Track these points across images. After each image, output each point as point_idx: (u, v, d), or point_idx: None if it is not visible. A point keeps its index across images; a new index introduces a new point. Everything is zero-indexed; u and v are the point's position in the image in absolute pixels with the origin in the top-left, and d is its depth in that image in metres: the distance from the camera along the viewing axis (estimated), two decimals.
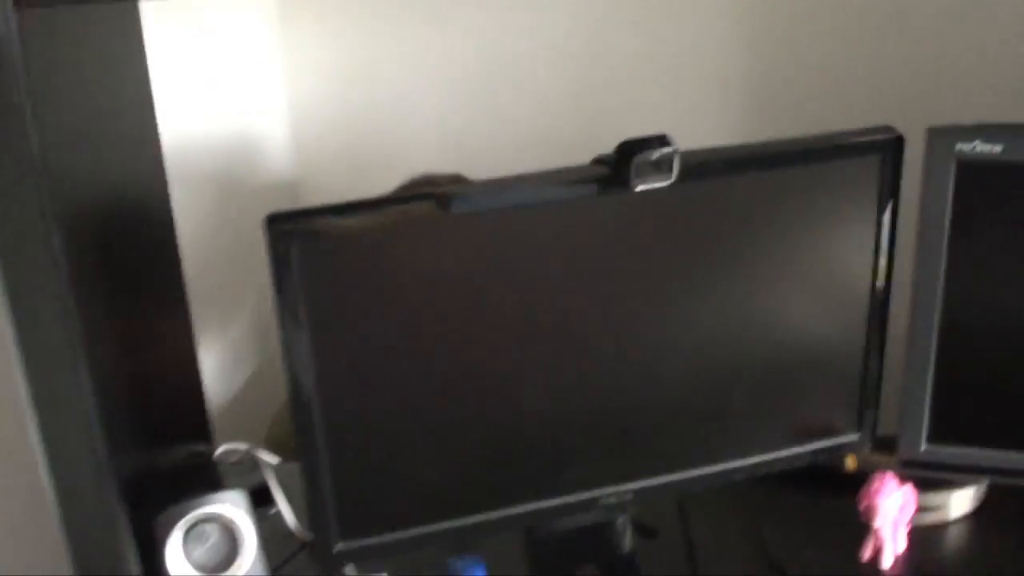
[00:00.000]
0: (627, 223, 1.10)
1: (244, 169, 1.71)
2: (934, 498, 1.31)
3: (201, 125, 1.56)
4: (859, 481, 1.29)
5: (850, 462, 1.37)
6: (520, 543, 1.29)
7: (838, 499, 1.35)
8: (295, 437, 1.10)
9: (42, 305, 0.98)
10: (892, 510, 1.23)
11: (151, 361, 1.25)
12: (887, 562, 1.25)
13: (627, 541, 1.29)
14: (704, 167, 1.09)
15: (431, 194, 1.05)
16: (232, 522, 1.14)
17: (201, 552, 1.15)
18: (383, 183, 1.39)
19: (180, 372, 1.37)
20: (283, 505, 1.34)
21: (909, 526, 1.27)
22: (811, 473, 1.38)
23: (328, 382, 1.08)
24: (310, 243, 1.03)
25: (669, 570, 1.27)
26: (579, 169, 1.08)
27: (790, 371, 1.22)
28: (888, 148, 1.14)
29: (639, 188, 1.05)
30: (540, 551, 1.28)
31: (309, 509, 1.14)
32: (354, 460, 1.13)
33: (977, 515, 1.34)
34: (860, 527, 1.27)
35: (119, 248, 1.17)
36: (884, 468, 1.27)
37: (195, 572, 1.14)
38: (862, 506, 1.24)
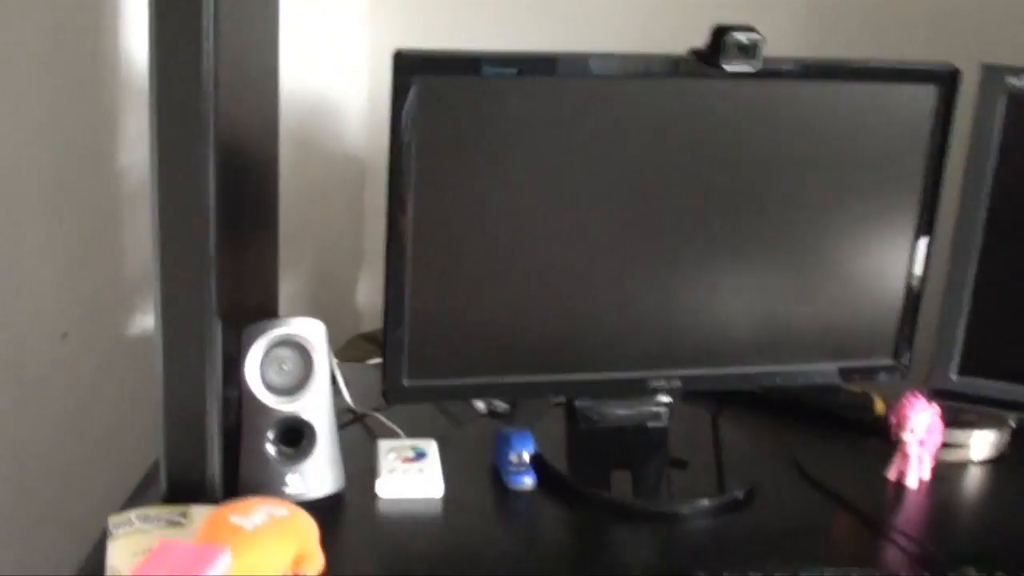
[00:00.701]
0: (711, 106, 1.28)
1: (320, 131, 1.89)
2: (958, 435, 1.45)
3: (292, 83, 1.72)
4: (885, 429, 1.43)
5: (879, 406, 1.51)
6: (565, 432, 1.43)
7: (867, 439, 1.49)
8: (385, 274, 1.26)
9: (190, 216, 1.15)
10: (920, 427, 1.36)
11: (247, 283, 1.41)
12: (912, 480, 1.38)
13: (663, 450, 1.43)
14: (784, 66, 1.27)
15: (545, 57, 1.23)
16: (308, 346, 1.27)
17: (276, 374, 1.28)
18: None
19: (263, 295, 1.52)
20: (340, 382, 1.47)
21: (934, 460, 1.42)
22: (841, 418, 1.53)
23: (423, 221, 1.24)
24: (429, 81, 1.20)
25: (701, 477, 1.41)
26: (676, 54, 1.27)
27: (835, 282, 1.38)
28: (945, 79, 1.32)
29: (728, 68, 1.23)
30: (583, 441, 1.42)
31: (385, 346, 1.28)
32: (433, 305, 1.27)
33: (998, 461, 1.47)
34: (888, 459, 1.41)
35: (240, 181, 1.32)
36: None
37: (267, 391, 1.27)
38: (893, 421, 1.38)
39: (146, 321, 1.68)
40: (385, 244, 1.24)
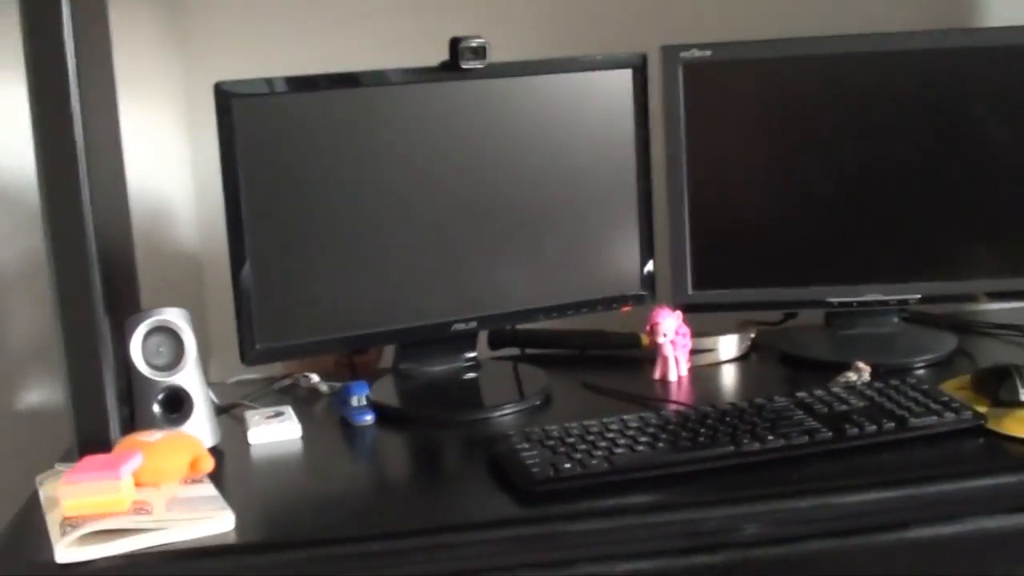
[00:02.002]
0: (458, 101, 1.84)
1: (155, 230, 2.37)
2: (706, 342, 2.00)
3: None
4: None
5: (645, 339, 2.04)
6: (395, 389, 1.94)
7: (640, 366, 2.01)
8: (230, 260, 1.76)
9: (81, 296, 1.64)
10: (670, 328, 1.90)
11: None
12: (672, 375, 1.91)
13: (475, 390, 1.94)
14: (506, 67, 1.84)
15: (342, 75, 1.78)
16: (178, 329, 1.76)
17: (153, 355, 1.75)
18: None
19: None
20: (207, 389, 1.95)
21: (689, 363, 1.95)
22: (617, 357, 2.07)
23: (257, 217, 1.73)
24: (245, 101, 1.73)
25: (506, 397, 1.91)
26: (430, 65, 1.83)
27: (585, 239, 1.93)
28: (637, 63, 1.92)
29: (464, 66, 1.80)
30: (409, 392, 1.93)
31: (237, 318, 1.77)
32: (273, 279, 1.75)
33: (744, 359, 2.03)
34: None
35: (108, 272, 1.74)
36: None
37: (149, 367, 1.74)
38: (648, 328, 1.92)
39: (30, 395, 2.16)
40: (228, 236, 1.75)
